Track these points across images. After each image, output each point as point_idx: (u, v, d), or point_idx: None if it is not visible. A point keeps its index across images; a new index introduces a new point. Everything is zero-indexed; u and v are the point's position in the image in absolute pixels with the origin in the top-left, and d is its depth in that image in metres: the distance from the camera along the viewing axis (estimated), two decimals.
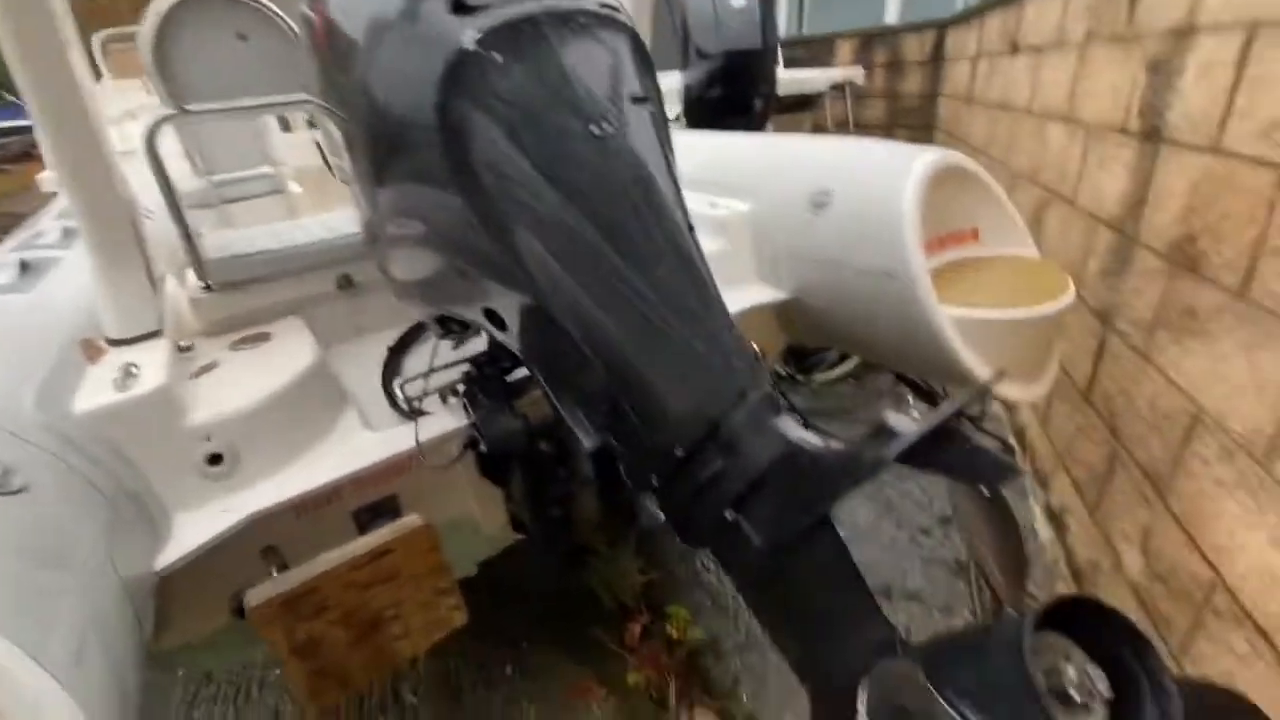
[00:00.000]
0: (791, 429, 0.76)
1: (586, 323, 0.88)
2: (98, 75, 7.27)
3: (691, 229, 0.88)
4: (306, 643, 1.04)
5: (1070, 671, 0.55)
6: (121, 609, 0.90)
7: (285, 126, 3.05)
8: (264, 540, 1.24)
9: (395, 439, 1.32)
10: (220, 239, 1.63)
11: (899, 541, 2.46)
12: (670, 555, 2.45)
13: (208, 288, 1.55)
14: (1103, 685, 0.55)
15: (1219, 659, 1.38)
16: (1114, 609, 0.55)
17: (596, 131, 0.83)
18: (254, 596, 0.99)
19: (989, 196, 1.83)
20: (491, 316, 1.00)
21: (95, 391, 1.13)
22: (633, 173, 0.84)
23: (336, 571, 1.04)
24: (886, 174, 1.63)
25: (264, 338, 1.50)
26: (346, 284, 1.70)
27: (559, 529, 1.53)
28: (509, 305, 0.98)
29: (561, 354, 0.97)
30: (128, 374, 1.18)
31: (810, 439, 0.73)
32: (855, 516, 2.56)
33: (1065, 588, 2.13)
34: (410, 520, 1.12)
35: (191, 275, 1.58)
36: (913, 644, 0.69)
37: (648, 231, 0.82)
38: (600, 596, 2.28)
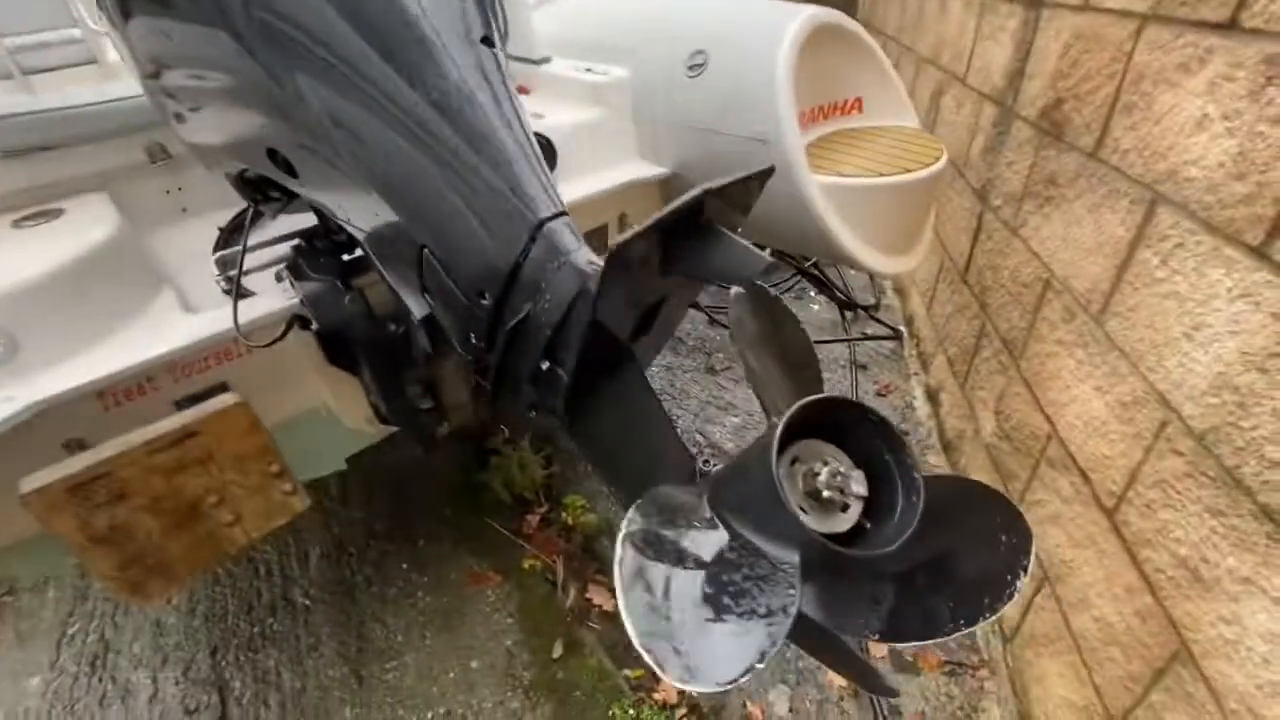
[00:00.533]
0: (584, 259, 0.70)
1: (369, 154, 0.78)
2: None
3: (490, 42, 0.77)
4: (109, 531, 0.95)
5: (824, 474, 0.53)
6: None
7: None
8: (68, 433, 1.12)
9: (217, 321, 1.20)
10: None
11: None
12: (572, 450, 2.45)
13: None
14: (858, 485, 0.54)
15: (1049, 503, 1.51)
16: (870, 408, 0.54)
17: None
18: (29, 482, 0.88)
19: (873, 64, 1.76)
20: (274, 157, 0.88)
21: None
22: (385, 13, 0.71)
23: (132, 455, 0.94)
24: (761, 33, 1.52)
25: (54, 214, 1.30)
26: (161, 154, 1.48)
27: (424, 418, 1.46)
28: (289, 141, 0.85)
29: (357, 199, 0.87)
30: None
31: (598, 262, 0.68)
32: (753, 405, 2.62)
33: (936, 459, 2.28)
34: (221, 400, 1.02)
35: None
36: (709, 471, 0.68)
37: (422, 39, 0.71)
38: (497, 492, 2.28)
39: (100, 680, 1.84)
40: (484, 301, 0.79)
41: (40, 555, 1.22)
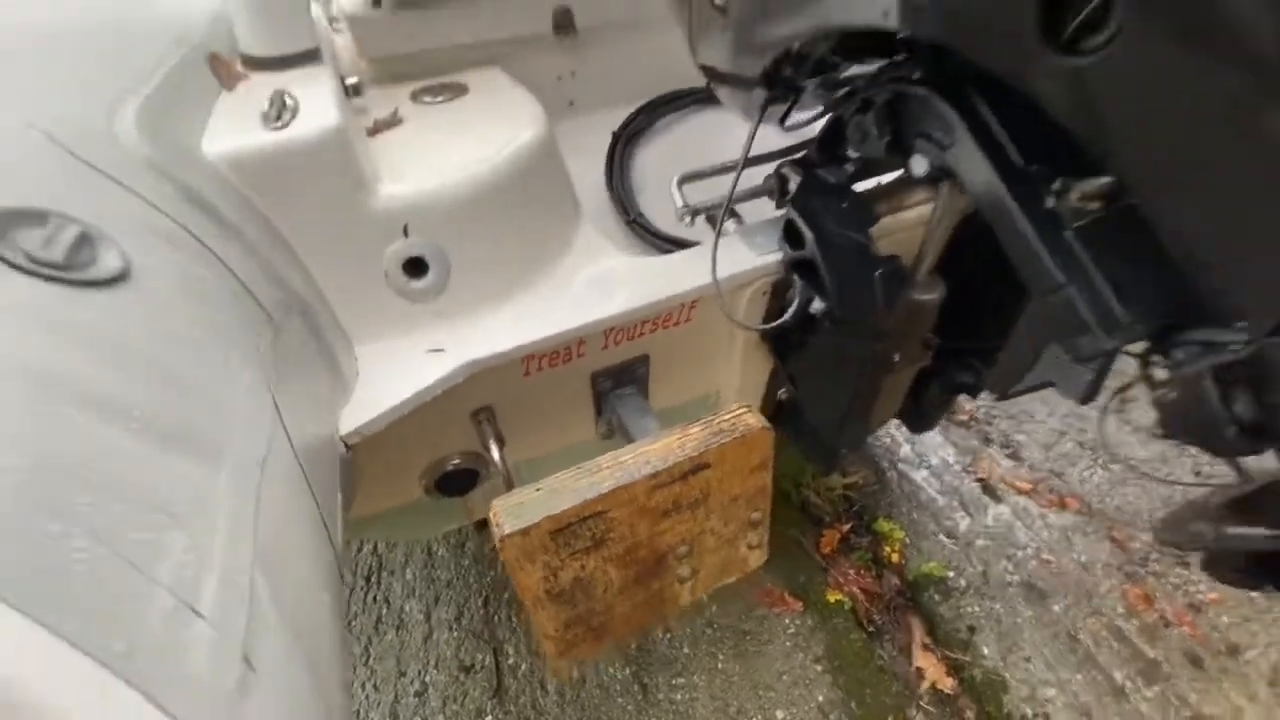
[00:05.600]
0: None
1: None
2: None
3: None
4: (571, 584, 0.64)
5: None
6: (308, 512, 0.50)
7: None
8: (476, 397, 0.83)
9: (670, 272, 0.84)
10: None
11: None
12: (880, 456, 2.00)
13: (376, 3, 1.02)
14: None
15: None
16: None
17: None
18: (507, 517, 0.57)
19: None
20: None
21: (236, 126, 0.68)
22: None
23: (634, 489, 0.60)
24: None
25: (459, 89, 0.99)
26: (565, 25, 1.12)
27: (837, 432, 1.06)
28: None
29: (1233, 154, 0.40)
30: (283, 105, 0.71)
31: None
32: None
33: None
34: (740, 420, 0.65)
35: None
36: None
37: None
38: (783, 485, 1.90)
39: (375, 600, 1.76)
40: None
41: (403, 525, 1.00)
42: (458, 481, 0.90)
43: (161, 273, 0.48)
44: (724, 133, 1.14)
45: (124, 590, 0.31)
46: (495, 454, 0.83)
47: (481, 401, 0.83)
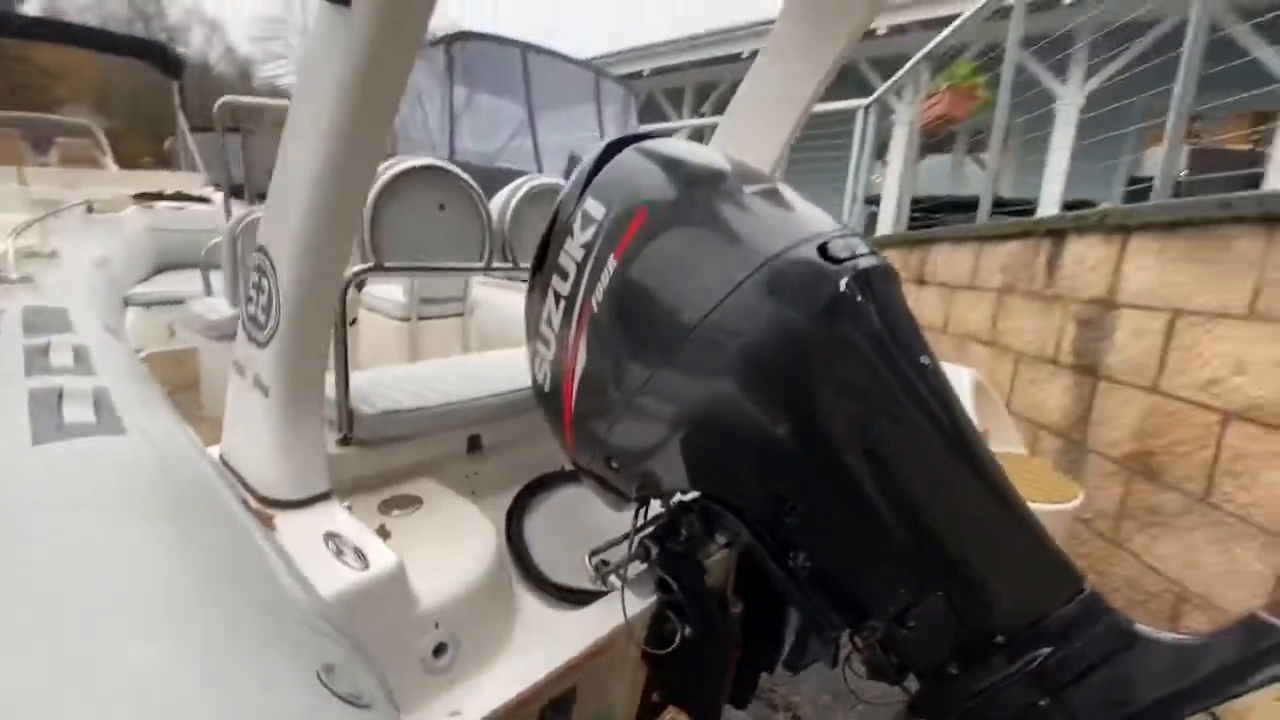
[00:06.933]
0: (1122, 620, 0.93)
1: (919, 525, 1.01)
2: None
3: None
4: None
5: None
6: None
7: None
8: None
9: (591, 621, 1.27)
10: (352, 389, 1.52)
11: None
12: None
13: (344, 441, 1.43)
14: None
15: None
16: None
17: (925, 362, 1.03)
18: None
19: (991, 401, 2.30)
20: (778, 502, 1.08)
21: (328, 573, 1.00)
22: (950, 400, 1.04)
23: None
24: None
25: (414, 501, 1.39)
26: (475, 446, 1.64)
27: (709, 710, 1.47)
28: (814, 497, 1.07)
29: (863, 547, 1.07)
30: (340, 547, 1.06)
31: (1162, 635, 0.91)
32: None
33: None
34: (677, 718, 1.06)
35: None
36: None
37: (963, 455, 1.00)
38: None
39: None
40: (996, 640, 0.99)
41: None
42: None
43: (366, 687, 0.80)
44: (583, 501, 1.67)
45: None
46: None
47: None
